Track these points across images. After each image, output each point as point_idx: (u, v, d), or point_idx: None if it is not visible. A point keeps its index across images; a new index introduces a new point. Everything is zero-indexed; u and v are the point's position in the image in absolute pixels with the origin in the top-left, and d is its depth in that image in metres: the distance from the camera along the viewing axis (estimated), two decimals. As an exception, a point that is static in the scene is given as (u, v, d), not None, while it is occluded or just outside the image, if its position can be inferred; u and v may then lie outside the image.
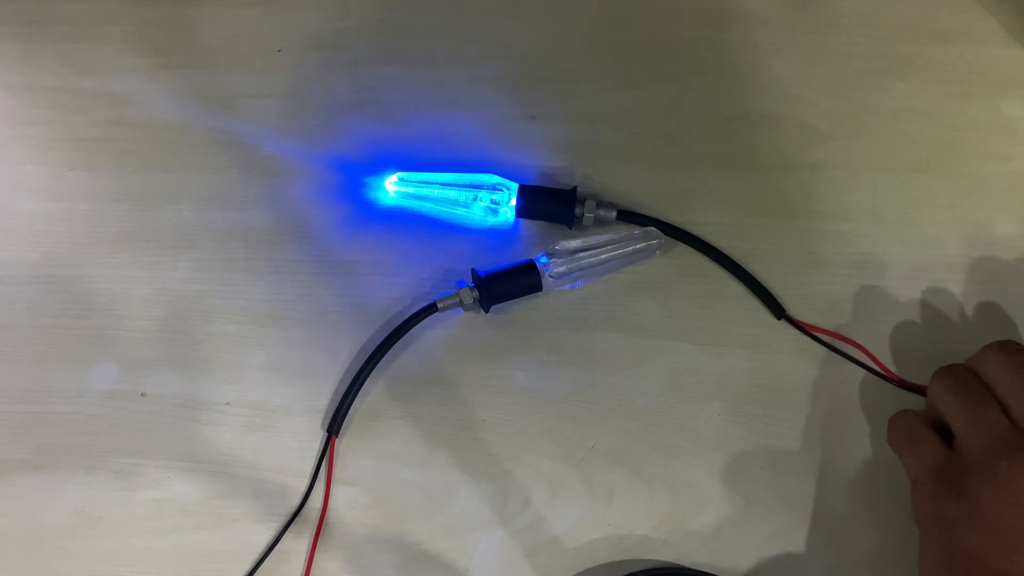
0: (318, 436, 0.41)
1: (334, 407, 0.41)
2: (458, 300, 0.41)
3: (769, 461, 0.40)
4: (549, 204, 0.43)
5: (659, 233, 0.42)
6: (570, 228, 0.43)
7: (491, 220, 0.44)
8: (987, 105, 0.44)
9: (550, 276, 0.41)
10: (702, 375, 0.41)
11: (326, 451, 0.40)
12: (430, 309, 0.41)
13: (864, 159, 0.44)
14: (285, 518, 0.40)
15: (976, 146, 0.44)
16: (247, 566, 0.39)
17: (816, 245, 0.43)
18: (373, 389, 0.41)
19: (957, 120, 0.44)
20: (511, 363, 0.42)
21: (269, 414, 0.41)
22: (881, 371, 0.40)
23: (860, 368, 0.41)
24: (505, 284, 0.41)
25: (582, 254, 0.42)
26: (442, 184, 0.43)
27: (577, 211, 0.42)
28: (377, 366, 0.41)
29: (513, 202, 0.42)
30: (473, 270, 0.41)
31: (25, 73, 0.46)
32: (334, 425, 0.40)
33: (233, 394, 0.41)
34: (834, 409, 0.40)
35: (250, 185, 0.44)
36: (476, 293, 0.41)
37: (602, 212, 0.42)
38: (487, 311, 0.42)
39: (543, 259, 0.41)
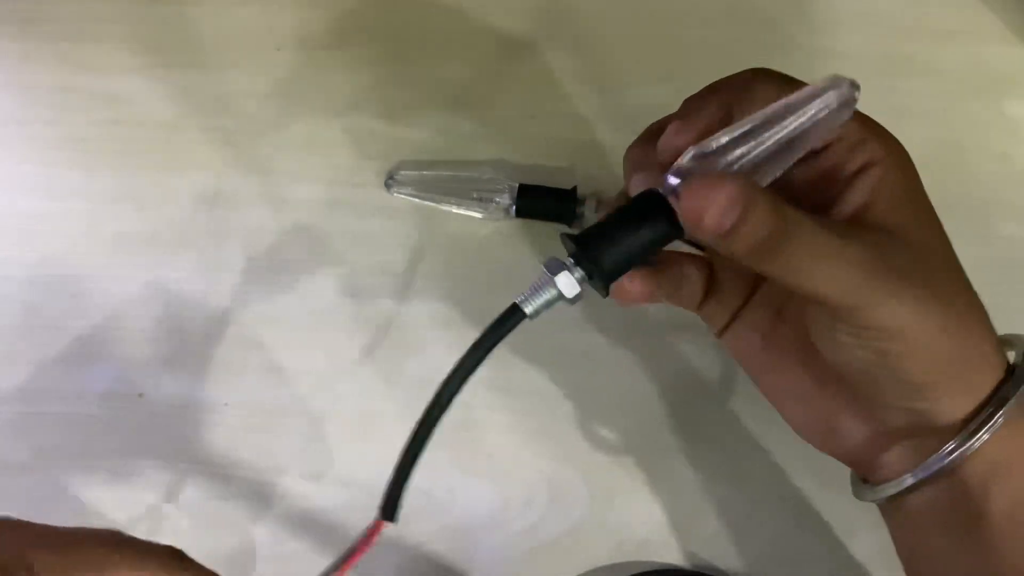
0: (317, 436, 0.41)
1: (334, 406, 0.41)
2: (556, 293, 0.27)
3: (770, 461, 0.40)
4: (549, 203, 0.42)
5: (844, 79, 0.26)
6: (570, 227, 0.43)
7: (491, 218, 0.43)
8: (989, 104, 0.44)
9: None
10: (704, 374, 0.41)
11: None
12: (517, 313, 0.27)
13: (865, 159, 0.44)
14: (284, 519, 0.40)
15: (977, 145, 0.44)
16: (246, 567, 0.39)
17: (817, 245, 0.43)
18: (373, 389, 0.41)
19: (958, 119, 0.44)
20: (512, 363, 0.41)
21: (268, 415, 0.41)
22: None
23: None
24: (626, 242, 0.27)
25: (737, 151, 0.26)
26: (442, 183, 0.43)
27: (578, 210, 0.42)
28: (377, 366, 0.41)
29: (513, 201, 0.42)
30: (564, 236, 0.28)
31: (22, 72, 0.46)
32: (388, 511, 0.30)
33: (231, 395, 0.41)
34: (835, 409, 0.40)
35: (249, 185, 0.44)
36: (581, 272, 0.27)
37: (603, 212, 0.42)
38: (608, 294, 0.28)
39: (673, 181, 0.26)
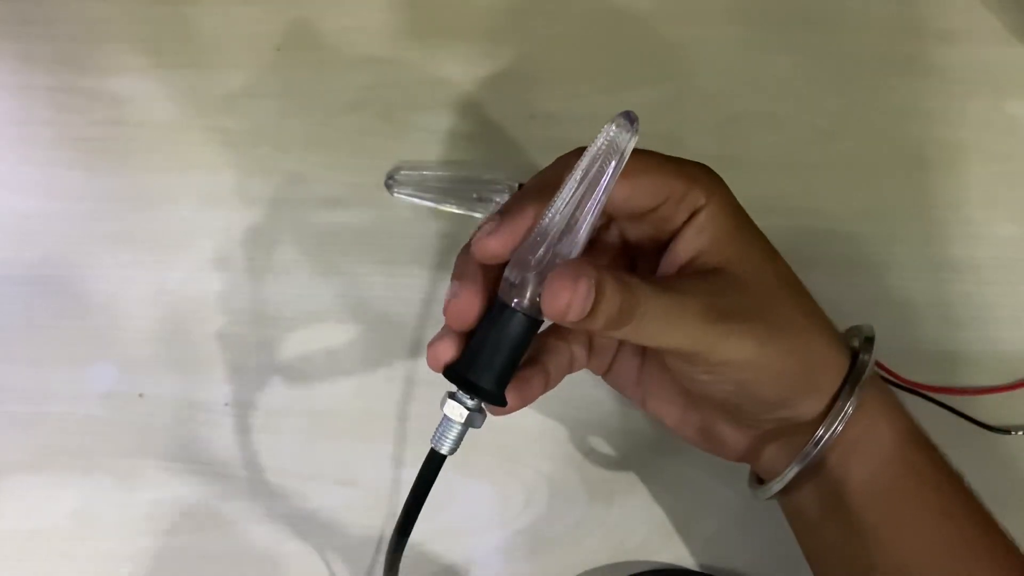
0: (317, 436, 0.41)
1: (334, 406, 0.41)
2: (458, 425, 0.29)
3: (770, 462, 0.40)
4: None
5: (624, 117, 0.28)
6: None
7: (491, 220, 0.43)
8: (989, 104, 0.44)
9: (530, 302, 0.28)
10: (703, 376, 0.41)
11: None
12: (437, 456, 0.30)
13: (865, 159, 0.44)
14: (284, 519, 0.40)
15: (978, 145, 0.44)
16: (246, 567, 0.39)
17: (816, 245, 0.43)
18: (372, 390, 0.41)
19: (959, 119, 0.44)
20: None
21: (268, 415, 0.41)
22: (880, 371, 0.40)
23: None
24: (496, 355, 0.28)
25: (549, 218, 0.27)
26: (442, 182, 0.43)
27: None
28: (377, 366, 0.41)
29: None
30: (447, 367, 0.29)
31: (22, 73, 0.46)
32: None
33: (231, 395, 0.41)
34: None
35: (248, 185, 0.44)
36: (470, 400, 0.29)
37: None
38: (506, 403, 0.30)
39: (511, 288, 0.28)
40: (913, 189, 0.43)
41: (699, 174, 0.30)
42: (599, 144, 0.27)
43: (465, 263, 0.29)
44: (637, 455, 0.40)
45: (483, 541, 0.39)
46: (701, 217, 0.30)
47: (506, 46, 0.46)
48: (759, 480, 0.34)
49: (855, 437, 0.30)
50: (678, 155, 0.30)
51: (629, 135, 0.27)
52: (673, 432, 0.34)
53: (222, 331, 0.42)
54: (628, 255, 0.33)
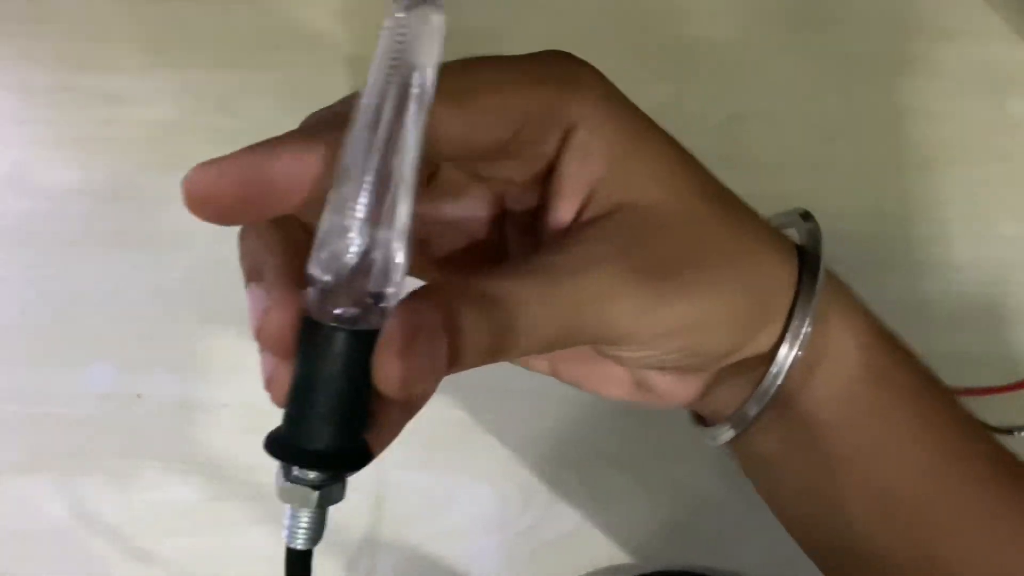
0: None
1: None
2: (308, 511, 0.22)
3: (770, 462, 0.40)
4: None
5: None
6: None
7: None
8: (990, 104, 0.44)
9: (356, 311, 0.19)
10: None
11: None
12: (293, 554, 0.22)
13: (865, 159, 0.44)
14: (283, 520, 0.40)
15: (979, 145, 0.43)
16: (245, 568, 0.39)
17: (817, 245, 0.43)
18: (372, 390, 0.41)
19: (960, 119, 0.44)
20: (510, 364, 0.41)
21: (267, 416, 0.41)
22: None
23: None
24: (337, 406, 0.20)
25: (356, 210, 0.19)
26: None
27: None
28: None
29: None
30: (267, 438, 0.21)
31: (21, 71, 0.46)
32: None
33: (230, 396, 0.41)
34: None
35: (248, 185, 0.44)
36: (314, 474, 0.21)
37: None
38: (368, 457, 0.21)
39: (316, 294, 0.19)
40: (913, 189, 0.43)
41: (557, 71, 0.22)
42: (385, 48, 0.18)
43: (263, 250, 0.20)
44: (636, 455, 0.40)
45: (482, 543, 0.39)
46: (580, 134, 0.21)
47: (507, 46, 0.46)
48: (701, 420, 0.28)
49: (815, 354, 0.24)
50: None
51: (426, 15, 0.17)
52: (596, 394, 0.29)
53: (221, 331, 0.42)
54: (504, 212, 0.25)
